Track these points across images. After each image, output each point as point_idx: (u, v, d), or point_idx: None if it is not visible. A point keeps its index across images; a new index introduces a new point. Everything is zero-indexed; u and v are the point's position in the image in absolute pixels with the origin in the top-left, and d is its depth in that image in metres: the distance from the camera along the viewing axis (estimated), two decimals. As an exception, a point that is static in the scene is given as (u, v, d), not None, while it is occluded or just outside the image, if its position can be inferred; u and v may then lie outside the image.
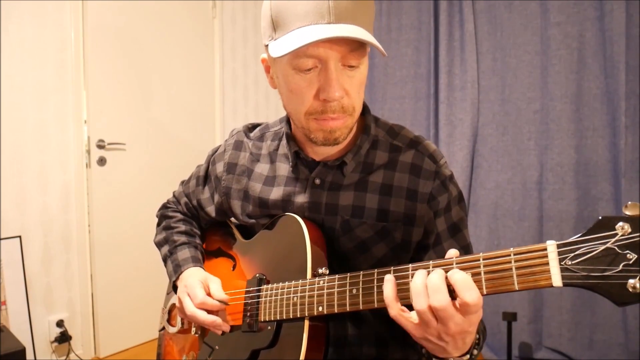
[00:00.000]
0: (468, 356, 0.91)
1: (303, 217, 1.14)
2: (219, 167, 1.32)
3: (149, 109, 3.44)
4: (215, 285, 1.21)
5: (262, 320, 1.12)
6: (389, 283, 0.87)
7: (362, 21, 0.96)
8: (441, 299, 0.79)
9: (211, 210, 1.37)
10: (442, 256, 1.08)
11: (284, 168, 1.22)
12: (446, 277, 0.81)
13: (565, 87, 3.04)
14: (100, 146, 3.14)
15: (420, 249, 1.16)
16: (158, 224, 1.49)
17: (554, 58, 3.06)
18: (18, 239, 2.78)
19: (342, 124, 1.03)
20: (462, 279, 0.79)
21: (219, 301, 1.17)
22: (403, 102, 3.69)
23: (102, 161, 3.15)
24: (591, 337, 3.00)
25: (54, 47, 2.91)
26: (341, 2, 0.93)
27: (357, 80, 1.01)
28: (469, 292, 0.78)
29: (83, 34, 3.02)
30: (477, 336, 0.95)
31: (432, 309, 0.81)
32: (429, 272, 0.84)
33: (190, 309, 1.18)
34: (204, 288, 1.20)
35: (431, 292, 0.81)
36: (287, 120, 1.24)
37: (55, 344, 2.96)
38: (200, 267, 1.32)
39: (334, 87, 0.97)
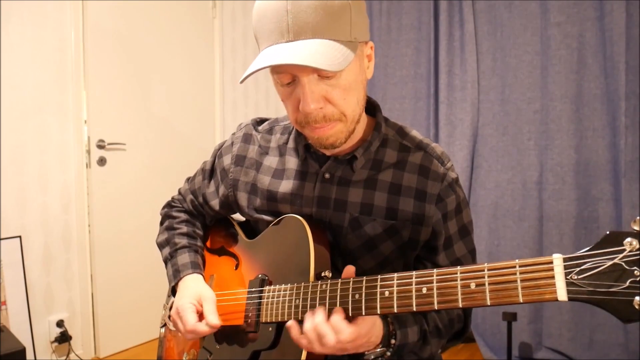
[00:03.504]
0: (381, 346, 1.02)
1: (307, 217, 1.14)
2: (227, 160, 1.32)
3: (149, 109, 3.43)
4: (209, 307, 1.19)
5: (264, 321, 1.13)
6: (292, 330, 1.00)
7: (327, 29, 0.95)
8: (329, 340, 0.94)
9: (215, 203, 1.36)
10: (454, 257, 1.16)
11: (293, 161, 1.22)
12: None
13: (565, 87, 3.04)
14: (100, 146, 3.14)
15: (430, 250, 1.18)
16: (161, 223, 1.48)
17: (554, 58, 3.06)
18: (18, 239, 2.78)
19: (330, 130, 1.04)
20: (335, 324, 0.95)
21: (211, 327, 1.17)
22: (403, 102, 3.68)
23: (102, 161, 3.15)
24: (591, 337, 3.01)
25: (54, 47, 2.90)
26: (300, 16, 0.93)
27: (340, 87, 1.01)
28: (340, 334, 0.94)
29: (83, 34, 3.02)
30: (391, 327, 1.03)
31: (325, 347, 0.95)
32: (314, 313, 0.99)
33: (185, 336, 1.20)
34: (195, 310, 1.19)
35: (320, 336, 0.95)
36: None
37: (55, 344, 2.96)
38: (200, 273, 1.32)
39: (307, 101, 0.99)
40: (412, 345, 1.06)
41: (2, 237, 2.71)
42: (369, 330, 0.96)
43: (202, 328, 1.16)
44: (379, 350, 1.01)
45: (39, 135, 2.87)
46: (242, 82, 0.99)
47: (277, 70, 0.98)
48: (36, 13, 2.81)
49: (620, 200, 2.89)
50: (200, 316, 1.19)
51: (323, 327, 0.95)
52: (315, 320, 0.96)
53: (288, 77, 1.00)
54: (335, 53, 0.94)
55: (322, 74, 0.98)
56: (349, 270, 1.01)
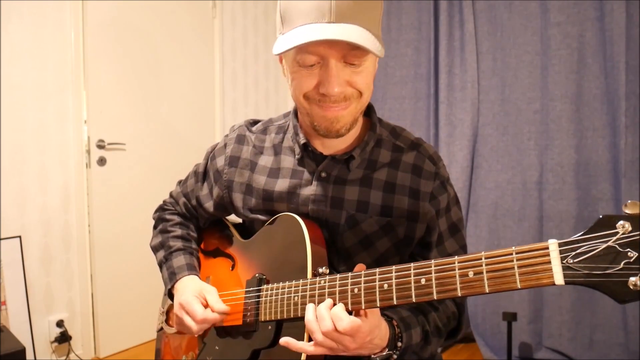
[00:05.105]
0: (387, 349, 1.01)
1: (303, 216, 1.14)
2: (220, 161, 1.32)
3: (149, 109, 3.44)
4: (213, 297, 1.20)
5: (263, 320, 1.13)
6: (292, 342, 1.00)
7: (364, 20, 0.99)
8: (326, 324, 0.93)
9: (209, 205, 1.36)
10: (445, 254, 1.17)
11: (289, 160, 1.23)
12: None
13: (565, 87, 3.04)
14: (100, 146, 3.14)
15: (423, 246, 1.19)
16: (154, 227, 1.48)
17: (554, 58, 3.06)
18: (18, 239, 2.78)
19: (344, 110, 1.07)
20: (335, 312, 0.94)
21: (220, 313, 1.18)
22: (403, 102, 3.68)
23: (102, 161, 3.15)
24: (591, 337, 3.00)
25: (54, 47, 2.91)
26: (343, 2, 0.97)
27: (364, 74, 1.06)
28: (339, 322, 0.92)
29: (83, 34, 3.03)
30: (397, 330, 1.04)
31: (324, 335, 0.94)
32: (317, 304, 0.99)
33: (194, 328, 1.19)
34: (201, 302, 1.20)
35: (319, 320, 0.95)
36: (295, 114, 1.25)
37: (55, 344, 2.96)
38: (195, 275, 1.32)
39: (332, 83, 1.02)
40: (414, 346, 1.07)
41: (2, 237, 2.71)
42: (372, 329, 0.95)
43: (212, 316, 1.17)
44: (385, 353, 1.01)
45: (38, 135, 2.87)
46: (280, 54, 1.03)
47: (307, 50, 1.00)
48: (36, 13, 2.82)
49: (620, 200, 2.89)
50: (206, 308, 1.20)
51: (322, 311, 0.95)
52: (319, 307, 0.97)
53: (314, 58, 1.02)
54: (374, 40, 1.00)
55: (348, 61, 1.02)
56: (360, 268, 1.01)
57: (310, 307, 0.98)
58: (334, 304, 0.97)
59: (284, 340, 1.00)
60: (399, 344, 1.03)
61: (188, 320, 1.19)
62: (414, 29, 3.63)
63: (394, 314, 1.06)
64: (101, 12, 3.11)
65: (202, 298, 1.21)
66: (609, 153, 2.96)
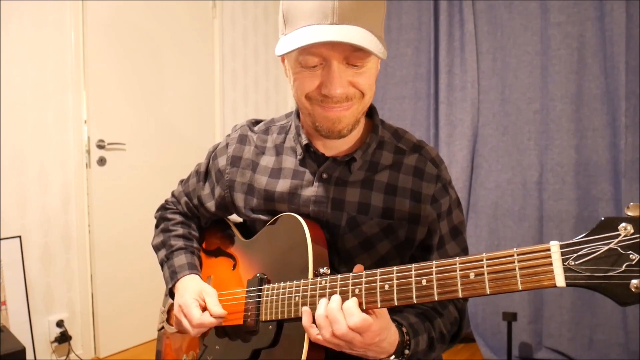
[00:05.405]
0: (394, 356, 1.00)
1: (304, 216, 1.14)
2: (222, 161, 1.32)
3: (149, 109, 3.44)
4: (211, 299, 1.20)
5: (263, 319, 1.12)
6: (305, 315, 0.99)
7: (366, 21, 0.99)
8: (340, 327, 0.92)
9: (211, 205, 1.36)
10: (446, 256, 1.16)
11: (290, 161, 1.23)
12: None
13: (565, 87, 3.04)
14: (100, 146, 3.14)
15: (424, 249, 1.19)
16: (156, 226, 1.48)
17: (554, 58, 3.06)
18: (18, 239, 2.78)
19: (346, 111, 1.06)
20: (347, 307, 0.93)
21: (217, 317, 1.18)
22: (403, 102, 3.69)
23: (102, 161, 3.15)
24: (591, 337, 3.00)
25: (54, 47, 2.91)
26: (346, 3, 0.96)
27: (366, 75, 1.05)
28: (351, 317, 0.91)
29: (83, 34, 3.02)
30: (406, 337, 1.03)
31: (335, 336, 0.93)
32: (329, 299, 0.96)
33: (191, 331, 1.20)
34: (199, 305, 1.20)
35: (332, 322, 0.93)
36: (297, 114, 1.25)
37: (55, 344, 2.96)
38: (197, 274, 1.32)
39: (335, 84, 1.01)
40: (420, 353, 1.07)
41: (2, 237, 2.71)
42: (382, 330, 0.95)
43: (209, 320, 1.17)
44: (392, 359, 1.01)
45: (38, 135, 2.87)
46: (281, 55, 1.02)
47: (309, 51, 1.00)
48: (36, 13, 2.82)
49: (620, 200, 2.89)
50: (204, 311, 1.20)
51: (336, 313, 0.93)
52: (330, 305, 0.95)
53: (316, 60, 1.02)
54: (376, 42, 1.00)
55: (350, 62, 1.02)
56: (358, 269, 1.00)
57: (322, 302, 0.97)
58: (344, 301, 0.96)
59: (306, 308, 1.00)
60: (406, 351, 1.03)
61: (185, 324, 1.20)
62: (414, 29, 3.63)
63: (403, 320, 1.05)
64: (101, 12, 3.11)
65: (202, 300, 1.21)
66: (609, 153, 2.96)
